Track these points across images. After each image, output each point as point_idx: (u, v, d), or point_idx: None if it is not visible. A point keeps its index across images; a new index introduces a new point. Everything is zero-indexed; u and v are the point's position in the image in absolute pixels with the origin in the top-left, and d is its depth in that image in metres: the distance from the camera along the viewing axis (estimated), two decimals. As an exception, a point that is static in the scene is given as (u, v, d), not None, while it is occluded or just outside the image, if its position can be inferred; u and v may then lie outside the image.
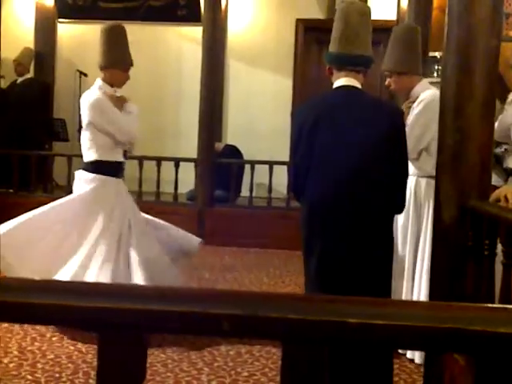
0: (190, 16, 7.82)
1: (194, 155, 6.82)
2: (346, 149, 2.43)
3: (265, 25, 7.84)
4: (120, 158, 3.77)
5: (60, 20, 8.08)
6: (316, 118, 2.49)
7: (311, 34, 7.67)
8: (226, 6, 7.82)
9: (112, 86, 3.79)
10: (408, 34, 3.40)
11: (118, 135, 3.71)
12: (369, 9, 2.59)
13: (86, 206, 3.60)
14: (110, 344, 1.00)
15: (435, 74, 5.93)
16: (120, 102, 3.80)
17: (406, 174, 2.57)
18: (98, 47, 3.79)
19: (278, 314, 0.92)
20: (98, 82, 3.77)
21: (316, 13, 7.67)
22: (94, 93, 3.72)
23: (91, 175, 3.69)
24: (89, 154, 3.75)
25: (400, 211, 2.67)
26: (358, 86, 2.56)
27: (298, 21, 7.73)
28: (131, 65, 3.88)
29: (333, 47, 2.57)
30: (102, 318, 1.00)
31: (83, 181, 3.71)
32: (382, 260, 2.50)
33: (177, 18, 7.96)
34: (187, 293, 1.03)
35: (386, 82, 3.50)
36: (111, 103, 3.73)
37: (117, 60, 3.76)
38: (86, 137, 3.78)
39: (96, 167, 3.69)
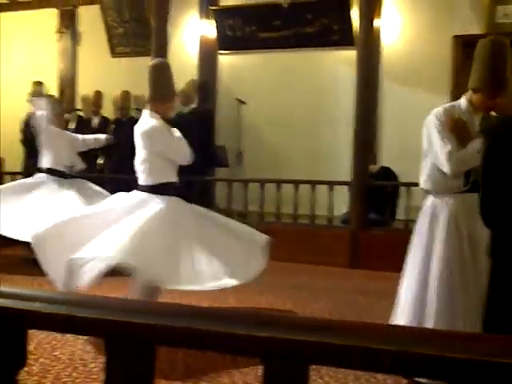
0: (344, 40, 7.90)
1: (348, 178, 6.84)
2: None
3: (419, 44, 7.70)
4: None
5: (221, 52, 8.57)
6: None
7: (470, 50, 7.38)
8: (379, 27, 7.80)
9: (160, 115, 4.02)
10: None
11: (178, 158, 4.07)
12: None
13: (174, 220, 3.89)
14: (275, 372, 1.07)
15: None
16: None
17: None
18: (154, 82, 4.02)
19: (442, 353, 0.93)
20: (149, 113, 4.01)
21: (474, 29, 7.40)
22: (153, 122, 3.96)
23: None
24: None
25: None
26: None
27: (456, 37, 7.50)
28: (174, 96, 4.17)
29: None
30: (267, 346, 1.07)
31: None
32: None
33: (331, 42, 8.08)
34: (354, 326, 1.06)
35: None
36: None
37: (164, 93, 4.00)
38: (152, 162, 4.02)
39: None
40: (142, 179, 4.01)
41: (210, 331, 1.07)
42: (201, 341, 1.11)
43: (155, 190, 3.96)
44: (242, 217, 7.23)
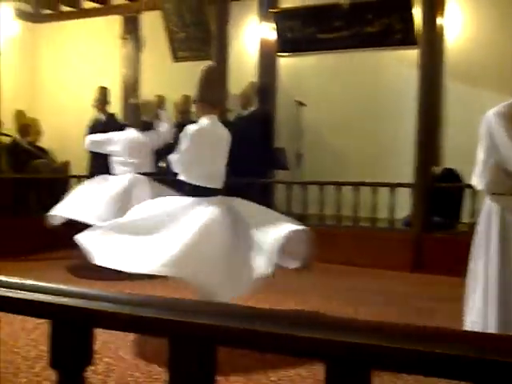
0: (406, 39, 7.77)
1: (411, 180, 6.71)
2: None
3: (483, 41, 7.48)
4: None
5: (281, 54, 8.59)
6: None
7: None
8: (442, 25, 7.63)
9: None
10: None
11: None
12: None
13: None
14: (337, 376, 1.06)
15: None
16: None
17: None
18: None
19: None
20: (210, 116, 4.06)
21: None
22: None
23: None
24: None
25: None
26: None
27: (525, 35, 7.26)
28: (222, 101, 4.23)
29: None
30: (328, 349, 1.06)
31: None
32: None
33: (392, 42, 7.96)
34: (421, 331, 1.03)
35: None
36: None
37: (213, 98, 4.07)
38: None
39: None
40: (221, 183, 4.10)
41: (270, 333, 1.07)
42: (261, 342, 1.11)
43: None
44: (302, 219, 7.21)
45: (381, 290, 5.57)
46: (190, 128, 4.01)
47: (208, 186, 4.01)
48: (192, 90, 4.21)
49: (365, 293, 5.39)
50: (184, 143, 4.00)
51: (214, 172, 4.08)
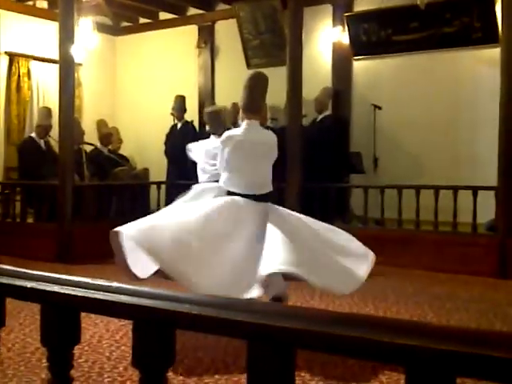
0: (486, 38, 7.52)
1: (493, 183, 6.47)
2: None
3: None
4: None
5: (355, 57, 8.51)
6: None
7: None
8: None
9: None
10: None
11: None
12: None
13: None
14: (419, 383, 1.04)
15: None
16: None
17: None
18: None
19: None
20: (253, 122, 4.05)
21: None
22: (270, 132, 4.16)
23: None
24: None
25: None
26: None
27: None
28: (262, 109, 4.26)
29: None
30: (411, 355, 1.04)
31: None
32: None
33: (472, 41, 7.73)
34: None
35: None
36: None
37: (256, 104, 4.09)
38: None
39: None
40: (261, 189, 4.04)
41: (351, 337, 1.06)
42: (341, 347, 1.10)
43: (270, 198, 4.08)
44: (379, 224, 7.10)
45: (463, 296, 5.37)
46: (224, 134, 4.06)
47: (244, 192, 3.95)
48: (266, 97, 4.26)
49: (446, 299, 5.22)
50: (219, 150, 4.07)
51: (250, 178, 4.01)
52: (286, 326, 1.07)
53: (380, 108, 8.07)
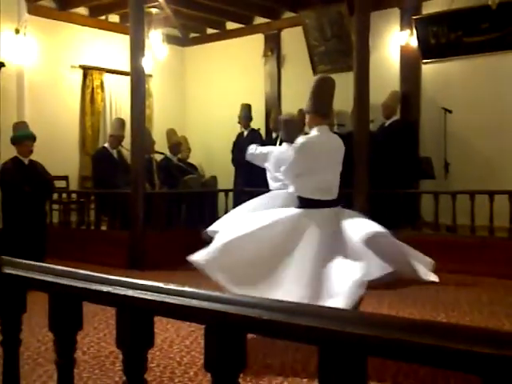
0: None
1: None
2: None
3: None
4: None
5: (424, 61, 8.34)
6: None
7: None
8: None
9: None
10: None
11: None
12: None
13: None
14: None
15: None
16: None
17: None
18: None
19: None
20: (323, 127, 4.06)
21: None
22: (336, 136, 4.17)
23: None
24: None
25: None
26: None
27: None
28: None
29: None
30: (488, 364, 1.01)
31: None
32: None
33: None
34: None
35: None
36: None
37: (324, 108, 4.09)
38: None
39: None
40: (334, 194, 4.04)
41: (425, 344, 1.04)
42: (415, 354, 1.07)
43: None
44: (451, 230, 6.90)
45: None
46: (298, 140, 4.04)
47: (317, 197, 3.95)
48: (333, 103, 4.24)
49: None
50: (292, 155, 4.03)
51: (324, 183, 4.00)
52: (358, 332, 1.06)
53: (450, 112, 7.87)
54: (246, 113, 8.95)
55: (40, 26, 8.91)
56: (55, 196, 7.84)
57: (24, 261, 1.76)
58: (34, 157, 6.32)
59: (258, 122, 9.27)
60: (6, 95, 8.15)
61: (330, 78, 4.17)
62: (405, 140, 7.65)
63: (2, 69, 8.24)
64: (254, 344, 3.73)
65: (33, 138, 6.23)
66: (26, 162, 6.20)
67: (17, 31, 8.61)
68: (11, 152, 6.19)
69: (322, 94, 4.06)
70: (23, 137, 6.16)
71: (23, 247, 5.67)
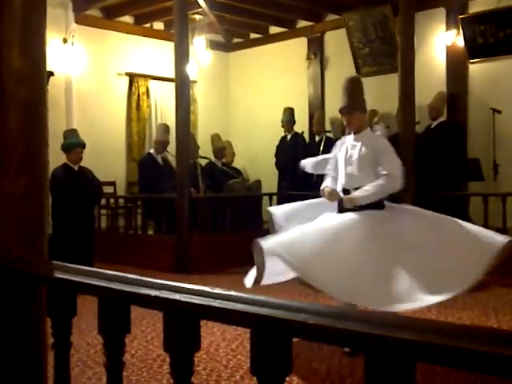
0: None
1: None
2: None
3: None
4: None
5: (471, 61, 8.17)
6: None
7: None
8: None
9: None
10: None
11: None
12: None
13: None
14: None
15: None
16: None
17: None
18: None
19: None
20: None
21: None
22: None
23: None
24: None
25: None
26: None
27: None
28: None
29: None
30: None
31: None
32: None
33: None
34: None
35: None
36: None
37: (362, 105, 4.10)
38: None
39: None
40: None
41: (476, 351, 1.01)
42: (465, 361, 1.05)
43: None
44: (500, 233, 6.72)
45: None
46: (385, 141, 4.05)
47: None
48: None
49: None
50: (393, 154, 4.02)
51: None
52: (406, 337, 1.04)
53: (499, 112, 7.68)
54: (289, 117, 8.96)
55: (87, 35, 9.12)
56: (103, 201, 8.00)
57: (74, 265, 1.80)
58: (82, 163, 6.46)
59: (302, 125, 9.25)
60: (55, 104, 8.36)
61: (358, 76, 4.29)
62: (452, 141, 7.50)
63: (51, 78, 8.46)
64: (300, 348, 3.73)
65: (83, 145, 6.36)
66: (76, 168, 6.34)
67: (64, 41, 8.84)
68: (61, 159, 6.34)
69: (356, 91, 4.09)
70: (74, 144, 6.29)
71: (73, 252, 5.80)
